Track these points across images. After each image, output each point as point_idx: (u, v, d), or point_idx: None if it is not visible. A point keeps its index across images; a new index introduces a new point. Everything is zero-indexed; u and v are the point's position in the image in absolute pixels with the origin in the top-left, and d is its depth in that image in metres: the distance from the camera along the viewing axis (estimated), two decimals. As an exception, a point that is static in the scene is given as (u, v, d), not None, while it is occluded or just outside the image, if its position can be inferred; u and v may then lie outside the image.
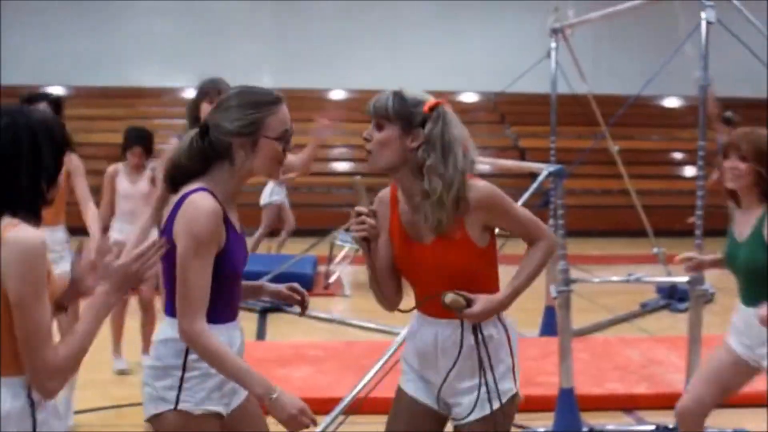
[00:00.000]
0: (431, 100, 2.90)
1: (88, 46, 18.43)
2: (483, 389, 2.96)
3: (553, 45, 7.63)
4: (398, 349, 4.82)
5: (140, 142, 6.90)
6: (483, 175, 2.99)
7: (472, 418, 2.99)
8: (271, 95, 2.85)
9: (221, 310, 2.83)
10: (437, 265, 2.94)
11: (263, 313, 9.19)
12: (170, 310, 2.85)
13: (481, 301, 2.88)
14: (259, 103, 2.81)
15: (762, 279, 3.88)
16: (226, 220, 2.80)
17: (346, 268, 11.09)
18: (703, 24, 5.36)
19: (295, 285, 3.19)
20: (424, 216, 2.89)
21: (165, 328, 2.89)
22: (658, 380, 6.50)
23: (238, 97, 2.84)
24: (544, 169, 5.32)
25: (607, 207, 15.98)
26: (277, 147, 2.82)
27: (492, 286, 3.00)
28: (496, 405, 2.97)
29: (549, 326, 7.61)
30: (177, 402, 2.79)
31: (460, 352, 2.96)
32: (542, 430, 5.54)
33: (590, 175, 15.87)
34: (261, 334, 8.54)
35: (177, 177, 2.86)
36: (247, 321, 8.74)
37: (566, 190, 5.82)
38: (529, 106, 17.32)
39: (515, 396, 3.04)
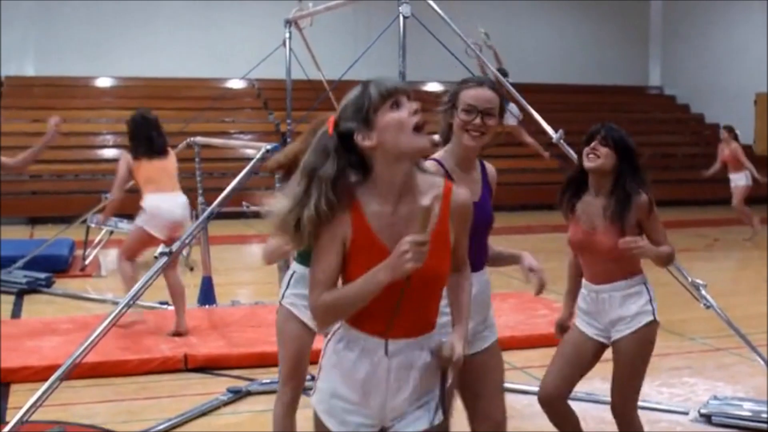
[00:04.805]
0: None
1: None
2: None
3: (288, 35, 8.26)
4: (116, 319, 5.30)
5: None
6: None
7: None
8: None
9: None
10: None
11: (20, 294, 9.43)
12: None
13: (457, 339, 2.74)
14: None
15: None
16: None
17: (102, 250, 11.42)
18: (401, 18, 6.14)
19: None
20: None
21: None
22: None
23: None
24: (262, 148, 5.88)
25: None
26: None
27: None
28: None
29: (206, 295, 8.75)
30: None
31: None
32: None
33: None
34: (17, 313, 8.78)
35: None
36: (3, 303, 9.04)
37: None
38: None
39: None
